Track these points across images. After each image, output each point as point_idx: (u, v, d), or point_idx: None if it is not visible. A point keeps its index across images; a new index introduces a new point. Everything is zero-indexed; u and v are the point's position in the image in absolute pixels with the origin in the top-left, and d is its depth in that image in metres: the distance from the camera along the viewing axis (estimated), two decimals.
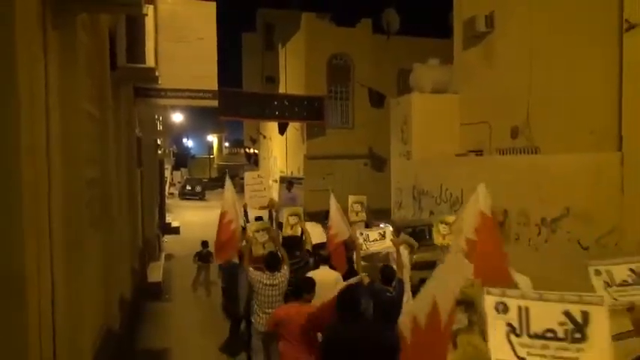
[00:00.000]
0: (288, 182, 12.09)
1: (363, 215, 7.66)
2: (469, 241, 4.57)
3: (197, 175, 48.15)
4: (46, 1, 3.49)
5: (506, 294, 2.09)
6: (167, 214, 21.64)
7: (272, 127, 26.98)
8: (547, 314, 1.97)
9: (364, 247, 6.16)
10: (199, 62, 8.89)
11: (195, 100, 9.27)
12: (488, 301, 2.08)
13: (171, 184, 38.11)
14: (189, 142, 55.84)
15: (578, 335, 1.94)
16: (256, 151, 39.29)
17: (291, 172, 25.51)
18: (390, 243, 5.93)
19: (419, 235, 10.95)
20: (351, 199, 7.96)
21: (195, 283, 10.63)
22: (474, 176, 11.56)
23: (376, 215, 7.37)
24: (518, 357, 1.97)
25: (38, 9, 3.35)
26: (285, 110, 21.89)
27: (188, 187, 37.04)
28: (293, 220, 6.85)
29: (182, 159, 50.95)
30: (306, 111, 21.82)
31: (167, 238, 17.08)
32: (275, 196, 13.46)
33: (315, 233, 7.17)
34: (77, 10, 4.14)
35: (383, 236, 6.15)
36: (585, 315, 1.95)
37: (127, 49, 6.94)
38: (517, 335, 1.98)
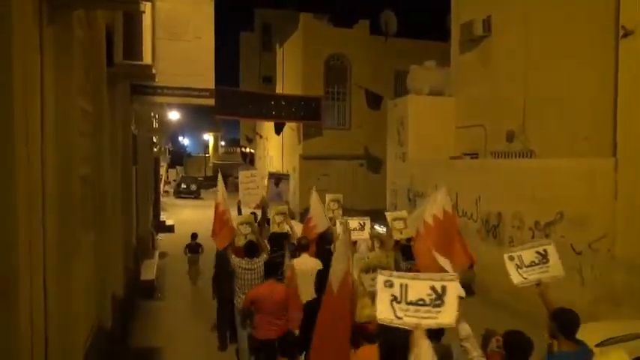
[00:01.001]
0: (275, 178, 12.71)
1: (339, 212, 8.20)
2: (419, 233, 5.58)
3: (192, 173, 48.00)
4: None
5: (393, 275, 2.94)
6: (162, 213, 21.58)
7: (268, 126, 26.95)
8: (419, 288, 2.82)
9: None
10: (197, 60, 8.88)
11: (191, 99, 9.26)
12: (380, 279, 2.88)
13: (167, 182, 37.99)
14: (185, 141, 55.73)
15: (438, 302, 2.81)
16: (252, 151, 39.25)
17: (287, 172, 25.52)
18: (367, 234, 6.44)
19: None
20: (328, 197, 8.59)
21: (190, 274, 11.31)
22: (469, 179, 11.63)
23: (370, 216, 7.81)
24: (397, 317, 2.79)
25: (34, 4, 3.33)
26: (282, 110, 21.87)
27: (183, 186, 36.86)
28: (279, 218, 7.59)
29: (178, 157, 50.82)
30: (302, 111, 21.80)
31: (161, 237, 17.04)
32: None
33: (300, 229, 7.75)
34: (74, 6, 4.12)
35: (362, 227, 6.61)
36: (444, 288, 2.81)
37: (124, 46, 6.91)
38: (398, 302, 2.81)
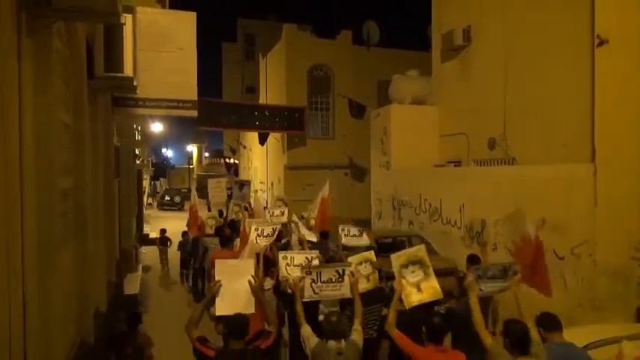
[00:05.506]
0: (239, 184, 14.72)
1: (283, 208, 9.92)
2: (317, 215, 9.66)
3: (176, 185, 47.53)
4: (22, 8, 3.44)
5: (311, 267, 4.77)
6: (145, 225, 21.31)
7: (252, 137, 26.91)
8: (329, 273, 4.67)
9: (270, 220, 8.26)
10: (179, 72, 8.82)
11: (174, 110, 9.18)
12: (303, 272, 4.66)
13: (150, 195, 37.58)
14: (168, 152, 55.28)
15: (340, 280, 4.65)
16: (236, 162, 39.10)
17: (272, 183, 25.46)
18: (285, 219, 8.71)
19: (399, 245, 11.01)
20: (274, 196, 11.48)
21: (162, 262, 14.12)
22: (453, 187, 11.73)
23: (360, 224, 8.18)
24: (314, 292, 4.62)
25: (13, 14, 3.29)
26: (266, 120, 21.89)
27: (167, 198, 36.48)
28: (236, 209, 11.47)
29: (161, 169, 50.34)
30: (286, 121, 21.85)
31: (144, 250, 16.81)
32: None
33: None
34: (53, 18, 4.08)
35: (283, 214, 8.90)
36: (343, 271, 4.69)
37: (105, 58, 6.84)
38: (315, 283, 4.61)
